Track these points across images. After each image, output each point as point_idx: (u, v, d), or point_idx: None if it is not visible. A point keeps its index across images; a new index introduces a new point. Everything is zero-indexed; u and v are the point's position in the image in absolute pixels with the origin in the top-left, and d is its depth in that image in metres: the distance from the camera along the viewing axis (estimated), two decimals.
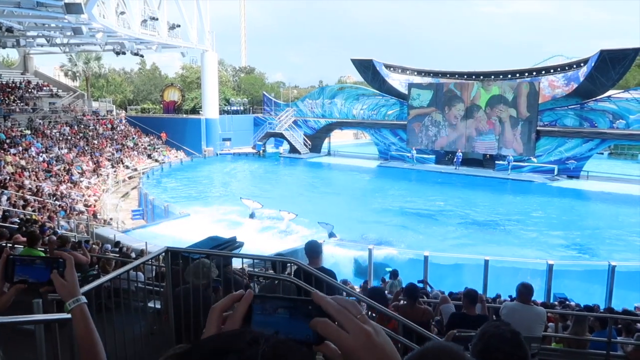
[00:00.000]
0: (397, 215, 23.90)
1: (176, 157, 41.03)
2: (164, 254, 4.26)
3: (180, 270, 4.29)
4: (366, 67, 39.35)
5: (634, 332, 6.75)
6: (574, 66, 32.71)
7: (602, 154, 42.01)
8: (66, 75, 51.28)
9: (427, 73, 39.34)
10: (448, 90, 36.27)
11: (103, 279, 3.70)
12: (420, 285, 11.17)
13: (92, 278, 7.17)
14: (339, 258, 15.94)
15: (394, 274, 12.08)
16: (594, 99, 31.54)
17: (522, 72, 35.44)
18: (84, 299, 1.74)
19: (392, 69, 39.83)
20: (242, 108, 51.13)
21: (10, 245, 9.23)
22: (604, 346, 6.20)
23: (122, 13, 29.91)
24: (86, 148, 33.71)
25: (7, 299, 1.74)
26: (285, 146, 45.50)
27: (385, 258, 16.04)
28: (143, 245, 13.94)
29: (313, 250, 5.10)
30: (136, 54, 36.65)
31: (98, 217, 22.71)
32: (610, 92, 31.93)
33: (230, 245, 5.80)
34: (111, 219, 22.73)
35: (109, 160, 33.64)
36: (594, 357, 6.29)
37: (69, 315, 1.75)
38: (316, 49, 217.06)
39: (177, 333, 4.21)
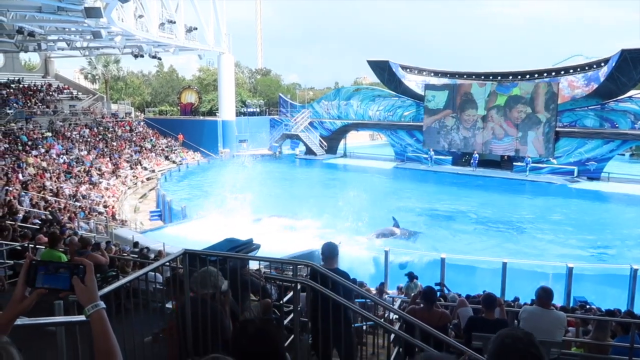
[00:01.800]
0: (414, 216, 23.75)
1: (193, 158, 41.39)
2: (181, 256, 4.29)
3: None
4: (382, 69, 39.26)
5: None
6: (594, 66, 32.23)
7: (624, 155, 41.29)
8: (86, 78, 52.11)
9: (444, 74, 39.10)
10: (465, 92, 35.97)
11: (122, 280, 3.74)
12: (437, 288, 11.10)
13: (110, 279, 7.27)
14: (358, 259, 15.93)
15: (411, 277, 11.98)
16: (614, 99, 31.01)
17: (540, 73, 35.03)
18: (102, 305, 1.77)
19: (408, 70, 39.68)
20: (258, 110, 51.41)
21: (32, 246, 9.40)
22: (626, 352, 6.08)
23: (141, 16, 30.27)
24: (105, 150, 34.19)
25: (29, 303, 1.77)
26: (301, 147, 45.58)
27: (402, 260, 15.98)
28: (161, 246, 14.07)
29: (329, 251, 5.17)
30: (154, 57, 37.10)
31: (117, 218, 23.01)
32: (631, 92, 31.39)
33: (247, 247, 5.80)
34: (125, 220, 22.96)
35: (127, 161, 34.06)
36: None
37: (88, 319, 1.78)
38: (332, 51, 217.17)
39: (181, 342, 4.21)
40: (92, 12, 20.50)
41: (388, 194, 30.10)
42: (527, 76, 35.17)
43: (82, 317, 2.86)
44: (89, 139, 34.77)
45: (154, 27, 32.26)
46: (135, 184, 31.45)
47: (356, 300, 6.69)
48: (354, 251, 16.69)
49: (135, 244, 13.60)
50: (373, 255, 16.51)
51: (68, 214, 19.47)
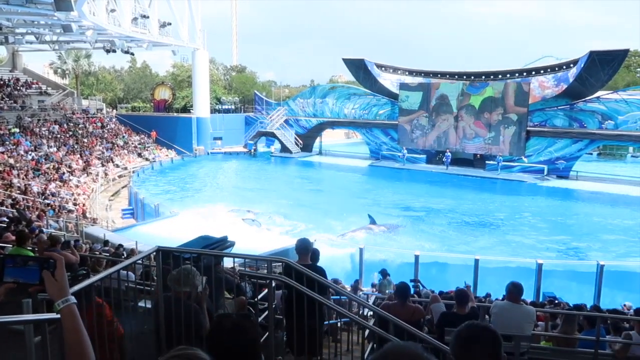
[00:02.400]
0: (388, 215, 23.93)
1: (167, 155, 40.85)
2: (154, 253, 4.24)
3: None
4: (358, 67, 39.43)
5: (621, 330, 6.82)
6: (564, 67, 33.01)
7: (591, 154, 42.41)
8: (55, 72, 50.82)
9: (418, 73, 39.50)
10: (438, 91, 36.40)
11: (93, 278, 3.67)
12: (412, 284, 11.21)
13: (81, 277, 7.12)
14: (334, 257, 15.98)
15: (383, 273, 12.10)
16: (583, 99, 31.83)
17: (512, 73, 35.71)
18: (73, 299, 1.73)
19: (383, 68, 39.94)
20: (233, 107, 51.04)
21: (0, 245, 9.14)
22: (592, 345, 6.26)
23: (113, 11, 29.69)
24: (75, 146, 33.45)
25: None
26: (277, 145, 45.47)
27: (376, 258, 16.09)
28: (133, 245, 13.86)
29: (303, 247, 5.25)
30: (127, 52, 36.47)
31: (87, 216, 22.56)
32: (599, 93, 32.25)
33: (222, 244, 5.77)
34: (96, 219, 22.51)
35: (98, 158, 33.41)
36: (583, 356, 6.34)
37: (58, 315, 1.74)
38: (308, 48, 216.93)
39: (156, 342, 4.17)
40: (62, 5, 20.04)
41: (363, 192, 30.30)
42: (500, 76, 35.80)
43: (51, 315, 2.80)
44: (58, 136, 33.96)
45: (127, 21, 31.68)
46: (107, 181, 30.87)
47: (331, 297, 6.72)
48: (329, 249, 16.74)
49: (106, 243, 13.36)
50: (349, 253, 16.59)
51: (37, 212, 18.98)
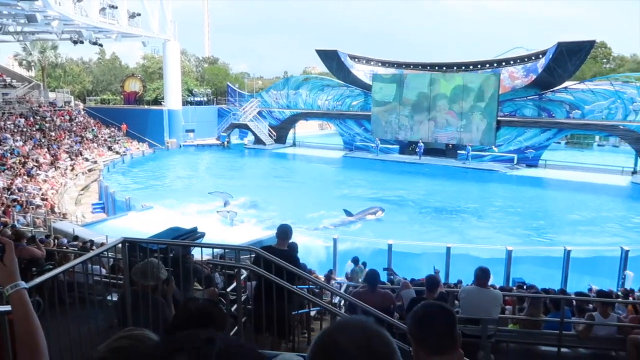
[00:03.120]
0: (361, 205, 24.08)
1: (138, 149, 40.18)
2: (120, 245, 4.17)
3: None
4: (331, 58, 39.37)
5: (585, 312, 7.04)
6: (533, 58, 33.60)
7: (560, 143, 43.38)
8: (20, 64, 49.32)
9: (391, 64, 39.67)
10: (410, 82, 36.65)
11: (56, 270, 3.59)
12: (386, 272, 11.34)
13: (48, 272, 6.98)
14: (308, 247, 16.00)
15: (355, 261, 12.21)
16: (551, 89, 32.50)
17: (483, 64, 36.18)
18: (23, 284, 1.69)
19: (356, 59, 39.98)
20: (205, 99, 50.43)
21: None
22: (557, 326, 6.45)
23: (80, 0, 28.92)
24: (43, 140, 32.61)
25: None
26: (250, 137, 45.17)
27: (351, 247, 16.18)
28: (104, 239, 13.61)
29: (283, 232, 5.44)
30: (95, 43, 35.61)
31: (56, 211, 22.04)
32: (567, 84, 32.96)
33: (192, 236, 5.71)
34: (65, 213, 22.03)
35: (67, 152, 32.63)
36: (548, 337, 6.53)
37: (8, 308, 1.69)
38: (281, 40, 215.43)
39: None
40: None
41: (337, 183, 30.40)
42: (471, 67, 36.26)
43: (7, 308, 2.72)
44: (24, 129, 33.04)
45: (94, 11, 30.93)
46: (77, 175, 30.19)
47: (304, 287, 6.74)
48: (304, 239, 16.75)
49: (75, 238, 13.10)
50: (324, 245, 16.63)
51: (2, 208, 18.48)
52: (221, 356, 0.77)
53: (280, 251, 5.17)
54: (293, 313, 5.16)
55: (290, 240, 5.66)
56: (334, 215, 21.67)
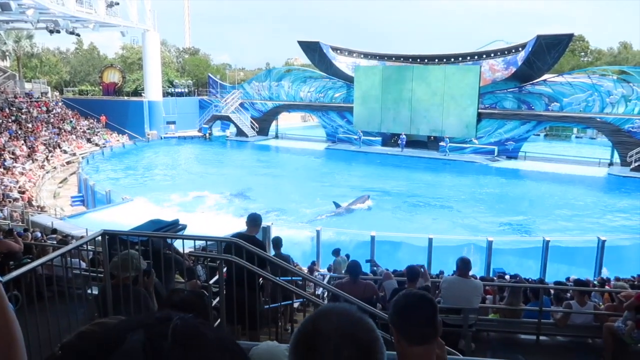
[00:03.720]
0: (344, 196, 24.16)
1: (118, 141, 39.63)
2: (100, 237, 4.11)
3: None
4: (313, 50, 39.20)
5: (563, 301, 7.19)
6: (513, 51, 33.91)
7: (539, 135, 44.02)
8: None
9: (373, 56, 39.67)
10: (392, 74, 36.73)
11: (34, 263, 3.53)
12: (368, 264, 11.40)
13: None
14: (292, 240, 16.00)
15: (337, 252, 12.27)
16: (531, 82, 32.87)
17: (464, 56, 36.39)
18: None
19: (338, 51, 39.89)
20: (186, 90, 49.88)
21: None
22: (536, 315, 6.57)
23: None
24: (19, 132, 31.93)
25: None
26: (232, 129, 44.86)
27: (333, 239, 16.23)
28: (83, 232, 13.42)
29: (253, 220, 5.63)
30: (72, 33, 34.90)
31: (34, 204, 21.66)
32: (546, 76, 33.37)
33: (173, 228, 5.67)
34: (43, 207, 21.67)
35: (44, 144, 32.02)
36: (527, 325, 6.65)
37: None
38: (263, 31, 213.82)
39: None
40: None
41: (320, 175, 30.41)
42: (452, 59, 36.45)
43: None
44: (0, 121, 32.30)
45: (71, 0, 30.25)
46: (55, 167, 29.66)
47: (286, 278, 6.74)
48: (288, 232, 16.74)
49: (54, 231, 12.89)
50: (310, 236, 16.64)
51: None
52: (177, 333, 0.76)
53: (248, 237, 5.29)
54: (271, 306, 5.20)
55: (274, 235, 5.76)
56: (319, 206, 21.71)
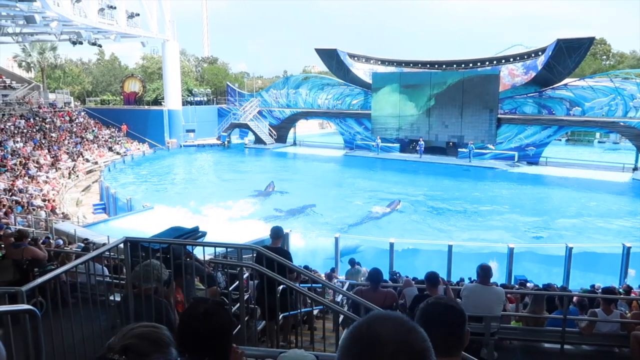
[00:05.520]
0: (364, 203, 24.11)
1: (138, 149, 40.18)
2: (122, 244, 4.16)
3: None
4: (330, 57, 39.32)
5: (587, 309, 7.03)
6: (532, 55, 33.53)
7: (560, 140, 43.34)
8: (20, 66, 49.31)
9: (391, 62, 39.62)
10: (410, 80, 36.61)
11: (58, 270, 3.59)
12: (394, 277, 11.40)
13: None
14: (310, 247, 16.00)
15: (352, 263, 12.28)
16: (551, 87, 32.44)
17: (483, 61, 36.11)
18: None
19: (356, 58, 39.93)
20: (205, 99, 50.42)
21: None
22: (560, 323, 6.43)
23: (78, 1, 28.90)
24: (43, 141, 32.61)
25: None
26: (251, 137, 45.16)
27: (351, 246, 16.19)
28: (105, 239, 13.60)
29: (275, 233, 5.98)
30: (94, 44, 35.61)
31: (57, 212, 22.04)
32: (566, 81, 32.87)
33: (193, 235, 5.71)
34: (66, 214, 22.02)
35: (67, 153, 32.64)
36: (551, 334, 6.51)
37: (21, 307, 1.68)
38: (280, 39, 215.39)
39: None
40: None
41: (339, 182, 30.41)
42: (471, 64, 36.19)
43: (13, 307, 2.72)
44: (25, 130, 33.04)
45: (93, 12, 30.93)
46: (77, 176, 30.20)
47: (306, 285, 6.74)
48: (308, 240, 16.75)
49: (85, 240, 13.08)
50: (330, 242, 16.62)
51: (4, 209, 18.47)
52: None
53: (275, 249, 5.51)
54: (290, 313, 5.25)
55: (292, 244, 5.94)
56: (345, 212, 21.86)
